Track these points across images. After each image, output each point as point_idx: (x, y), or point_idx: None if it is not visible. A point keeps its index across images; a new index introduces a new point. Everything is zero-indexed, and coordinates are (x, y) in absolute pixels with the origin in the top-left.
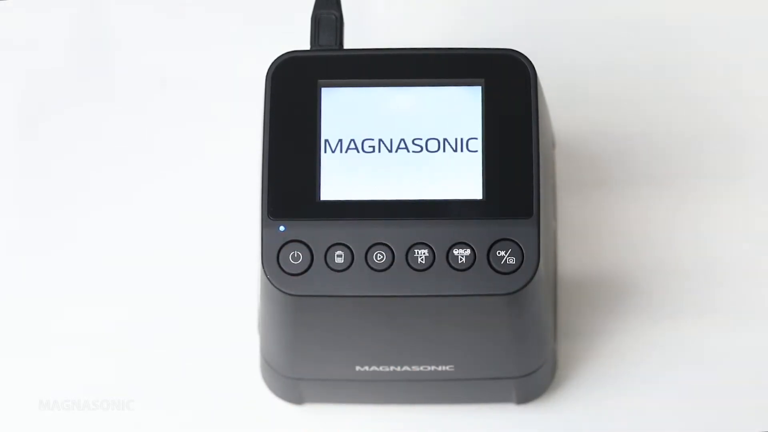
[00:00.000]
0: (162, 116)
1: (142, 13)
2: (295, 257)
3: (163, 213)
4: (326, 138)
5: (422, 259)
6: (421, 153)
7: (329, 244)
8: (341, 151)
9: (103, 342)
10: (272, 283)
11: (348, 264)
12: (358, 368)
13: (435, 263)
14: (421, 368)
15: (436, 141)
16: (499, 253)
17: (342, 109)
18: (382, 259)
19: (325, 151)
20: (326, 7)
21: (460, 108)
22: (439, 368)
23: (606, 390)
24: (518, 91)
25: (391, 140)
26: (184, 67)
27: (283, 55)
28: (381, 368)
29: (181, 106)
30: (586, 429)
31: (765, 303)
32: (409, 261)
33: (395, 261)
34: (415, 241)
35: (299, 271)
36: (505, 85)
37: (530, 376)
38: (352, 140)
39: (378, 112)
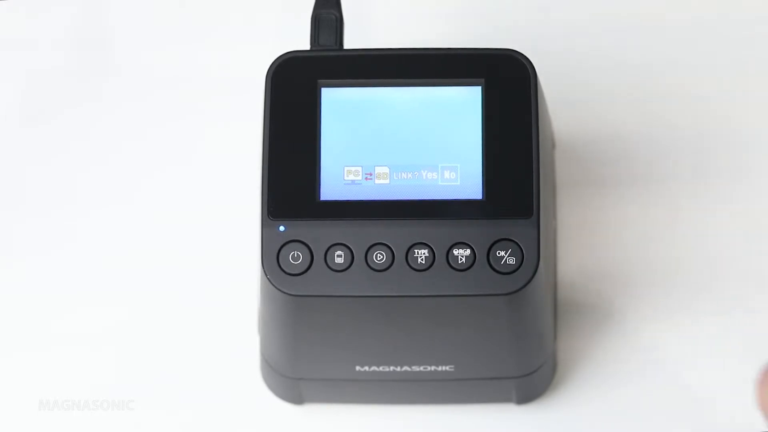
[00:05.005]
0: (162, 116)
1: (142, 13)
2: (295, 257)
3: (163, 213)
4: (326, 138)
5: (422, 259)
6: (420, 153)
7: (329, 244)
8: (341, 151)
9: (103, 342)
10: (272, 283)
11: (348, 264)
12: (358, 368)
13: (435, 263)
14: (421, 368)
15: (435, 141)
16: (499, 253)
17: (342, 109)
18: (382, 259)
19: (325, 151)
20: (326, 7)
21: (460, 108)
22: (439, 368)
23: (606, 390)
24: (518, 91)
25: (391, 140)
26: (183, 67)
27: (283, 55)
28: (381, 368)
29: (181, 106)
30: (586, 429)
31: (765, 303)
32: (409, 261)
33: (395, 261)
34: (415, 241)
35: (299, 271)
36: (505, 85)
37: (530, 376)
38: (352, 140)
39: (378, 112)
